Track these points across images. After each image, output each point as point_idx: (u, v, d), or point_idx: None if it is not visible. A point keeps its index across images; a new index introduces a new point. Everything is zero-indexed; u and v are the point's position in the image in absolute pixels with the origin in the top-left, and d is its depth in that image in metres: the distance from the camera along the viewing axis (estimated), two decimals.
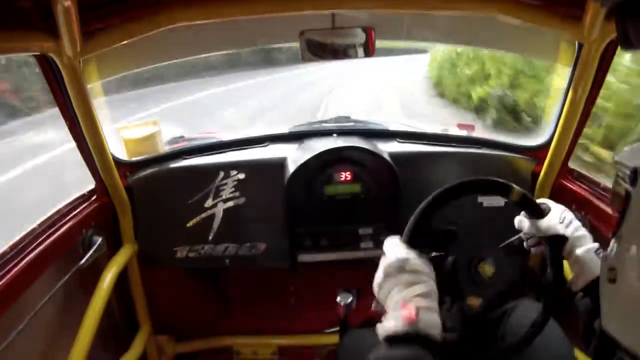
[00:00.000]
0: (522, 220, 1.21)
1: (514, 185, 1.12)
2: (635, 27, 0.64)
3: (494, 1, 1.30)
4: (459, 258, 1.16)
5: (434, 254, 1.19)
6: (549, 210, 1.16)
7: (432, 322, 0.83)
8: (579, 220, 1.61)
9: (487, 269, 1.15)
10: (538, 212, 1.17)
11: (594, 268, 1.01)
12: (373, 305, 1.66)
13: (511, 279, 1.18)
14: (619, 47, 1.31)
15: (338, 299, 1.63)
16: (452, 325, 1.19)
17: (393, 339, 0.81)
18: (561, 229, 1.12)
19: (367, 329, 1.34)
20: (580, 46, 1.39)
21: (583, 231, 1.09)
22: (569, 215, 1.14)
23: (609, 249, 0.70)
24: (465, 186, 1.15)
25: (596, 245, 1.06)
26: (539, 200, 1.20)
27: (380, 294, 0.95)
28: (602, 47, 1.34)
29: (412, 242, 1.01)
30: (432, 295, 0.88)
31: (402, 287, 0.88)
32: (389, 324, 0.83)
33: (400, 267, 0.92)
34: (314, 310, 1.97)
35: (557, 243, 1.14)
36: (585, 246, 1.06)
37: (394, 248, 0.97)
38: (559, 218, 1.13)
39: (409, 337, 0.80)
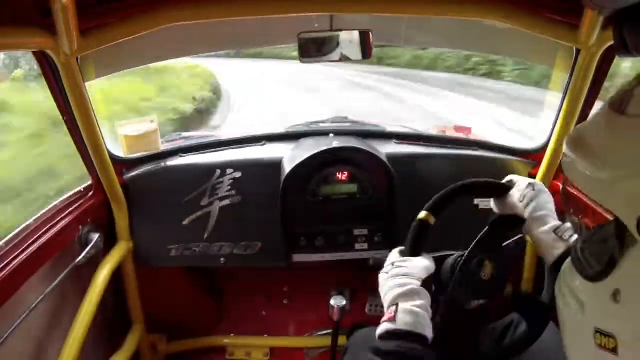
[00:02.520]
0: (492, 201, 1.19)
1: (421, 214, 1.12)
2: (632, 35, 0.64)
3: (492, 7, 1.30)
4: (457, 262, 1.17)
5: (434, 255, 1.20)
6: (513, 185, 1.12)
7: (408, 319, 0.92)
8: (575, 224, 1.62)
9: (486, 269, 1.16)
10: (494, 190, 1.16)
11: (552, 250, 0.99)
12: (367, 308, 1.68)
13: (511, 254, 1.19)
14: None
15: (332, 300, 1.63)
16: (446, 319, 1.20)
17: (382, 337, 0.92)
18: (519, 209, 1.08)
19: (365, 332, 1.35)
20: (578, 52, 1.40)
21: (545, 210, 1.05)
22: (530, 192, 1.08)
23: (580, 293, 0.58)
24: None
25: (557, 224, 1.02)
26: (507, 178, 1.17)
27: (382, 301, 1.02)
28: (599, 53, 1.35)
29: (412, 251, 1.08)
30: (414, 295, 0.96)
31: (389, 291, 0.98)
32: (380, 327, 0.94)
33: (392, 273, 1.02)
34: (307, 311, 1.97)
35: (511, 224, 1.12)
36: (542, 228, 1.03)
37: (392, 256, 1.09)
38: (519, 197, 1.09)
39: (395, 334, 0.91)
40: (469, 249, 1.17)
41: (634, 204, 0.48)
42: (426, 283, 1.01)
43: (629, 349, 0.48)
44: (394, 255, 1.10)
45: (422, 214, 1.11)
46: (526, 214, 1.07)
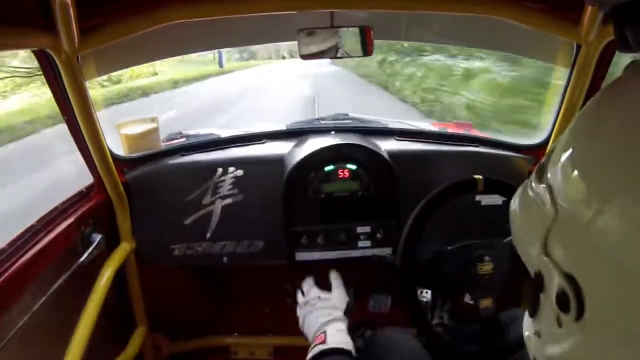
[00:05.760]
0: None
1: (475, 176, 1.13)
2: (632, 30, 0.64)
3: (492, 3, 1.30)
4: (455, 267, 1.17)
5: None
6: None
7: (336, 339, 1.09)
8: None
9: (486, 267, 1.16)
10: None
11: None
12: (370, 305, 1.69)
13: (512, 268, 1.19)
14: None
15: None
16: (470, 336, 1.21)
17: (318, 357, 1.07)
18: None
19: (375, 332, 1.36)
20: (579, 48, 1.39)
21: None
22: None
23: (526, 327, 0.62)
24: (431, 204, 1.19)
25: None
26: None
27: (304, 330, 1.23)
28: (600, 48, 1.35)
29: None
30: (338, 321, 1.15)
31: (314, 320, 1.18)
32: (312, 350, 1.10)
33: (312, 304, 1.23)
34: None
35: None
36: None
37: (310, 290, 1.29)
38: None
39: (328, 353, 1.07)
40: (480, 240, 1.17)
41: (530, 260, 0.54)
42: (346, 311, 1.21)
43: None
44: (314, 290, 1.27)
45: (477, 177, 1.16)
46: None
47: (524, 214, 0.57)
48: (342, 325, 1.14)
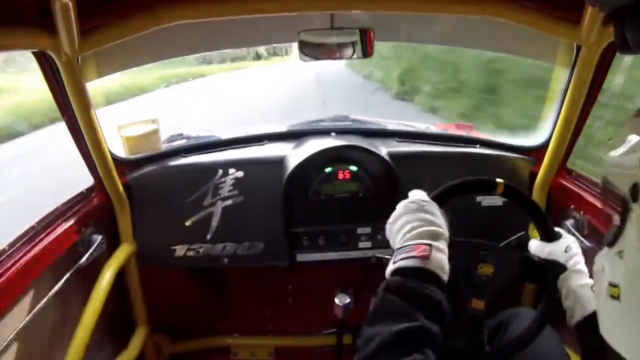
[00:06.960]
0: (532, 242, 1.24)
1: (498, 179, 1.13)
2: (632, 31, 0.64)
3: (492, 4, 1.30)
4: (457, 262, 1.17)
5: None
6: (560, 236, 1.18)
7: (442, 262, 0.84)
8: (578, 221, 1.64)
9: (486, 269, 1.16)
10: (544, 229, 1.19)
11: (587, 304, 1.04)
12: (371, 306, 1.67)
13: (510, 277, 1.19)
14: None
15: (336, 299, 1.63)
16: (456, 331, 1.20)
17: (405, 272, 0.83)
18: (563, 258, 1.14)
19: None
20: (579, 49, 1.39)
21: (583, 267, 1.11)
22: (575, 248, 1.16)
23: (602, 261, 0.70)
24: (448, 193, 1.18)
25: (592, 281, 1.06)
26: (556, 229, 1.21)
27: (393, 227, 0.96)
28: (600, 49, 1.35)
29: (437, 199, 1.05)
30: (443, 238, 0.89)
31: (418, 223, 0.90)
32: (401, 260, 0.84)
33: (420, 206, 0.95)
34: (311, 310, 1.97)
35: (555, 270, 1.16)
36: (582, 281, 1.08)
37: (418, 194, 1.02)
38: (565, 247, 1.15)
39: (420, 272, 0.82)
40: (485, 241, 1.18)
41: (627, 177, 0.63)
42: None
43: (626, 294, 0.62)
44: (422, 194, 1.02)
45: (499, 180, 1.14)
46: (568, 264, 1.13)
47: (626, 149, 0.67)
48: (445, 248, 0.88)
